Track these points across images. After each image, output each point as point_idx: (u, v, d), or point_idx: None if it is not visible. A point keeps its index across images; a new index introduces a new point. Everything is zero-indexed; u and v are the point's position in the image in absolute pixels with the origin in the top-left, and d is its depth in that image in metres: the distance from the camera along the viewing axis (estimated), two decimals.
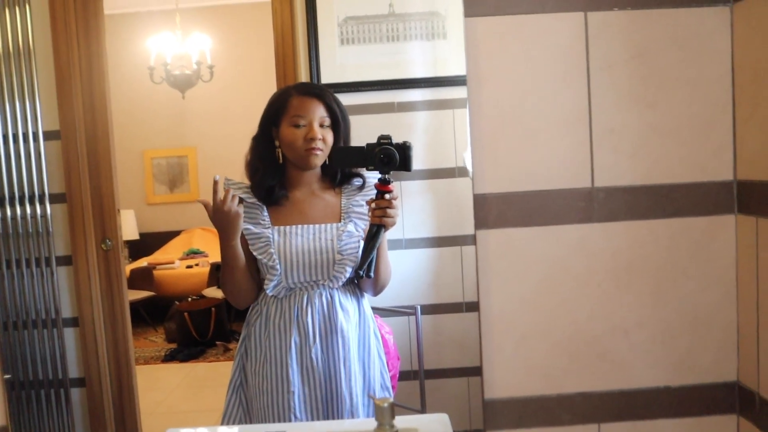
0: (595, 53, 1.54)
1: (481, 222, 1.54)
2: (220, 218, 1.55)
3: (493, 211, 1.53)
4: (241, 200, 1.61)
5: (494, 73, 1.52)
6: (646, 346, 1.64)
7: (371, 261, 1.46)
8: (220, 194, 1.54)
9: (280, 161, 1.67)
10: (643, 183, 1.59)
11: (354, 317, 1.67)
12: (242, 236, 1.62)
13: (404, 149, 1.46)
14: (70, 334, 2.78)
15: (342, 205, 1.68)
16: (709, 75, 1.58)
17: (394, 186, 1.49)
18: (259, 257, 1.62)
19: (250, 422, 1.68)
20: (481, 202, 1.53)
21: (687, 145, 1.59)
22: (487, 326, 1.57)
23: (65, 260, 2.75)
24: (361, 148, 1.49)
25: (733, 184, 1.61)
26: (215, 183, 1.54)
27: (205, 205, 1.56)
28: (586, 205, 1.57)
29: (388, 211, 1.48)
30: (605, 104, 1.56)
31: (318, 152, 1.62)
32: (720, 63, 1.58)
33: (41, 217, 2.69)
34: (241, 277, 1.63)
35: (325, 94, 1.66)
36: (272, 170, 1.66)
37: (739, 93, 1.59)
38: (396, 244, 2.58)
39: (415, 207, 2.64)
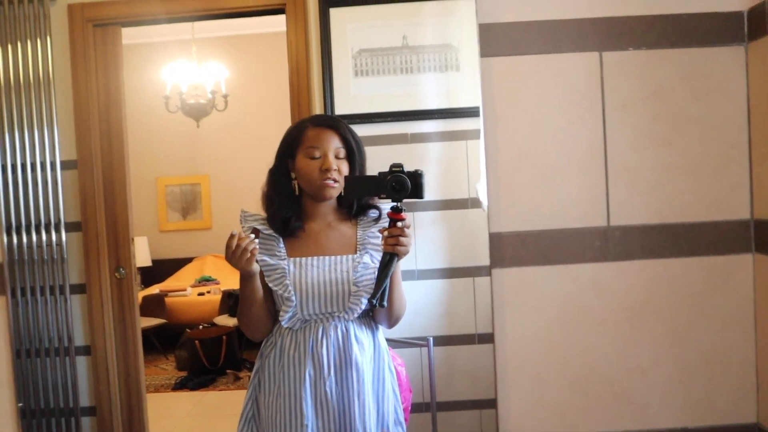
0: (610, 92, 1.54)
1: (496, 261, 1.53)
2: (231, 260, 1.54)
3: (509, 249, 1.53)
4: (256, 232, 1.62)
5: (510, 113, 1.52)
6: (663, 386, 1.62)
7: (384, 290, 1.45)
8: (233, 244, 1.52)
9: (297, 193, 1.68)
10: (659, 222, 1.57)
11: (369, 350, 1.66)
12: (258, 268, 1.62)
13: (416, 177, 1.46)
14: (82, 363, 2.78)
15: (358, 237, 1.69)
16: (725, 114, 1.58)
17: (407, 215, 1.49)
18: (274, 289, 1.62)
19: None
20: (496, 241, 1.53)
21: (703, 183, 1.58)
22: (502, 365, 1.55)
23: (79, 288, 2.77)
24: (373, 176, 1.50)
25: (750, 223, 1.60)
26: (231, 237, 1.52)
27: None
28: (601, 244, 1.56)
29: (401, 239, 1.47)
30: (620, 143, 1.55)
31: (333, 184, 1.62)
32: (735, 102, 1.58)
33: (56, 245, 2.71)
34: (258, 312, 1.63)
35: (340, 125, 1.68)
36: (288, 202, 1.67)
37: (754, 131, 1.58)
38: (408, 275, 2.57)
39: (427, 238, 2.64)
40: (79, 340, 2.77)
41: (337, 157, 1.64)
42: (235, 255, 1.52)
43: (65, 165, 2.74)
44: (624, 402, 1.61)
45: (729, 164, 1.58)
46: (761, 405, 1.64)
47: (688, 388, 1.62)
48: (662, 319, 1.60)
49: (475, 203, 2.61)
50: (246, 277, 1.59)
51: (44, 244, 2.71)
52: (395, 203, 1.48)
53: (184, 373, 4.89)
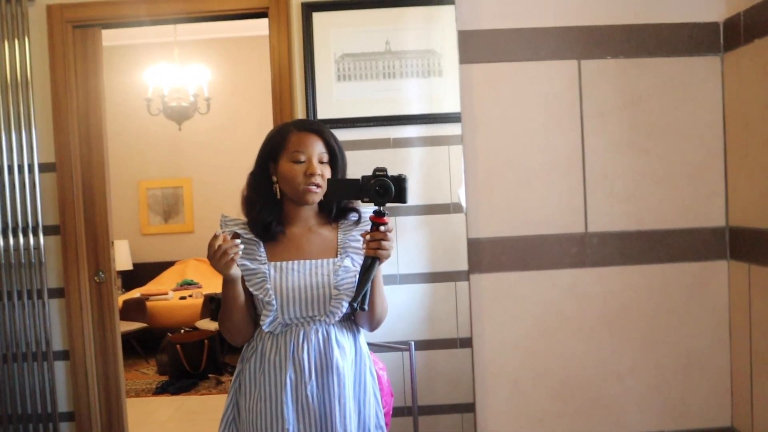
0: (588, 100, 1.56)
1: (474, 266, 1.54)
2: (211, 261, 1.54)
3: (487, 255, 1.54)
4: (236, 236, 1.61)
5: (489, 119, 1.53)
6: (639, 391, 1.64)
7: (365, 293, 1.45)
8: (215, 245, 1.52)
9: (278, 197, 1.67)
10: (636, 228, 1.59)
11: (350, 354, 1.66)
12: (239, 272, 1.62)
13: (399, 181, 1.46)
14: (60, 368, 2.75)
15: (338, 240, 1.68)
16: (701, 122, 1.60)
17: (389, 219, 1.50)
18: (255, 293, 1.61)
19: None
20: (475, 247, 1.54)
21: (679, 191, 1.61)
22: (480, 370, 1.56)
23: (57, 293, 2.73)
24: (356, 180, 1.50)
25: (725, 231, 1.62)
26: (214, 238, 1.52)
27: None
28: (579, 250, 1.58)
29: (383, 243, 1.47)
30: (598, 150, 1.57)
31: (317, 189, 1.62)
32: (711, 111, 1.60)
33: (34, 248, 2.67)
34: (239, 317, 1.62)
35: (324, 130, 1.68)
36: (270, 206, 1.66)
37: (730, 140, 1.61)
38: (390, 280, 2.57)
39: (409, 242, 2.64)
40: (58, 345, 2.74)
41: (320, 162, 1.64)
42: (215, 256, 1.52)
43: (43, 167, 2.70)
44: (601, 407, 1.62)
45: (705, 172, 1.60)
46: (736, 409, 1.66)
47: (664, 393, 1.64)
48: (639, 325, 1.61)
49: (457, 208, 2.61)
50: (227, 281, 1.59)
51: (21, 248, 2.67)
52: (378, 207, 1.48)
53: (165, 378, 4.84)
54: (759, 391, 1.59)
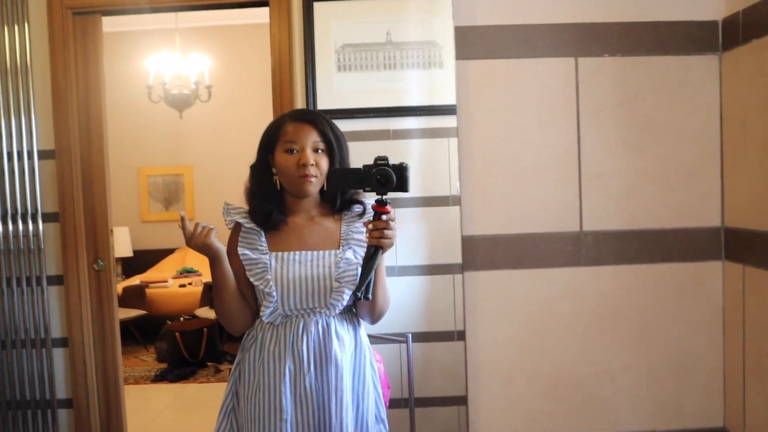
0: (585, 98, 1.54)
1: (468, 263, 1.53)
2: (194, 247, 1.59)
3: (481, 252, 1.53)
4: (238, 224, 1.65)
5: (485, 116, 1.52)
6: (632, 391, 1.63)
7: (369, 283, 1.44)
8: (190, 227, 1.59)
9: (278, 188, 1.67)
10: (631, 228, 1.58)
11: (349, 347, 1.66)
12: (240, 261, 1.62)
13: (401, 170, 1.45)
14: (58, 355, 2.77)
15: (341, 232, 1.68)
16: (698, 122, 1.59)
17: (391, 208, 1.49)
18: (255, 283, 1.61)
19: None
20: (469, 244, 1.53)
21: (675, 190, 1.59)
22: (473, 368, 1.56)
23: (56, 280, 2.75)
24: (357, 169, 1.49)
25: (720, 231, 1.61)
26: (182, 219, 1.59)
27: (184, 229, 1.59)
28: (574, 249, 1.57)
29: (386, 232, 1.47)
30: (594, 149, 1.56)
31: (312, 179, 1.62)
32: (708, 110, 1.58)
33: (33, 235, 2.69)
34: (232, 300, 1.63)
35: (319, 119, 1.67)
36: (270, 197, 1.67)
37: (727, 140, 1.59)
38: (389, 271, 2.58)
39: (408, 234, 2.64)
40: (56, 332, 2.76)
41: (316, 151, 1.63)
42: (193, 236, 1.57)
43: (43, 154, 2.71)
44: (593, 406, 1.61)
45: (701, 172, 1.59)
46: (728, 409, 1.66)
47: (656, 393, 1.63)
48: (633, 325, 1.61)
49: (456, 201, 2.62)
50: (214, 259, 1.60)
51: (21, 234, 2.68)
52: (380, 196, 1.47)
53: (164, 365, 4.88)
54: (751, 392, 1.58)
